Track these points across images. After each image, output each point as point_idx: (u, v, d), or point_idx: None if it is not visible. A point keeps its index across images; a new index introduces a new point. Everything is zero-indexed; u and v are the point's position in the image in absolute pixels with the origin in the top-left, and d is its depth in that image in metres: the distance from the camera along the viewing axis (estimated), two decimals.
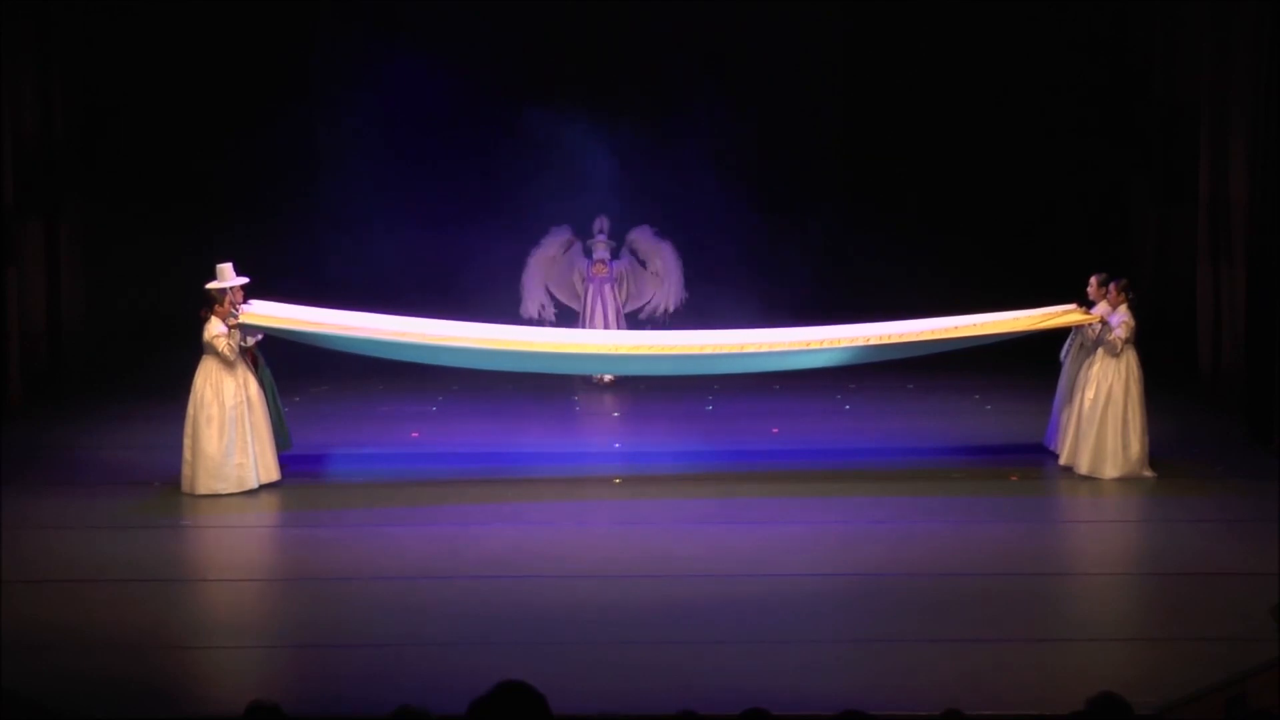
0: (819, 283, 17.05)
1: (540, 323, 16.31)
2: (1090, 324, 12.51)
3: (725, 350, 13.13)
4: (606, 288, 16.46)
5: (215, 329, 12.09)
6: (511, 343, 12.92)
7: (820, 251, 17.64)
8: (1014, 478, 12.53)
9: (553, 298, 16.72)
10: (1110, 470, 12.38)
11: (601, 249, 16.55)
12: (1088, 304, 12.72)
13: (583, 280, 16.55)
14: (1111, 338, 12.37)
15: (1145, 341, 12.72)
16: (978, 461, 13.13)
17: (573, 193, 17.03)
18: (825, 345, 12.92)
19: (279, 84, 17.53)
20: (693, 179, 17.38)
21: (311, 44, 17.87)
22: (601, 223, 16.61)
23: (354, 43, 17.92)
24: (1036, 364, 14.35)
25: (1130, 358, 12.45)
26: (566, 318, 16.67)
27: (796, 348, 13.10)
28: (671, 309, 16.71)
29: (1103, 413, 12.37)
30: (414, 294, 16.12)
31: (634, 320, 16.65)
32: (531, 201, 17.61)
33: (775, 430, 14.60)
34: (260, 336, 12.48)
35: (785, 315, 15.36)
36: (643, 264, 16.80)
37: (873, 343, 12.79)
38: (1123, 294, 12.49)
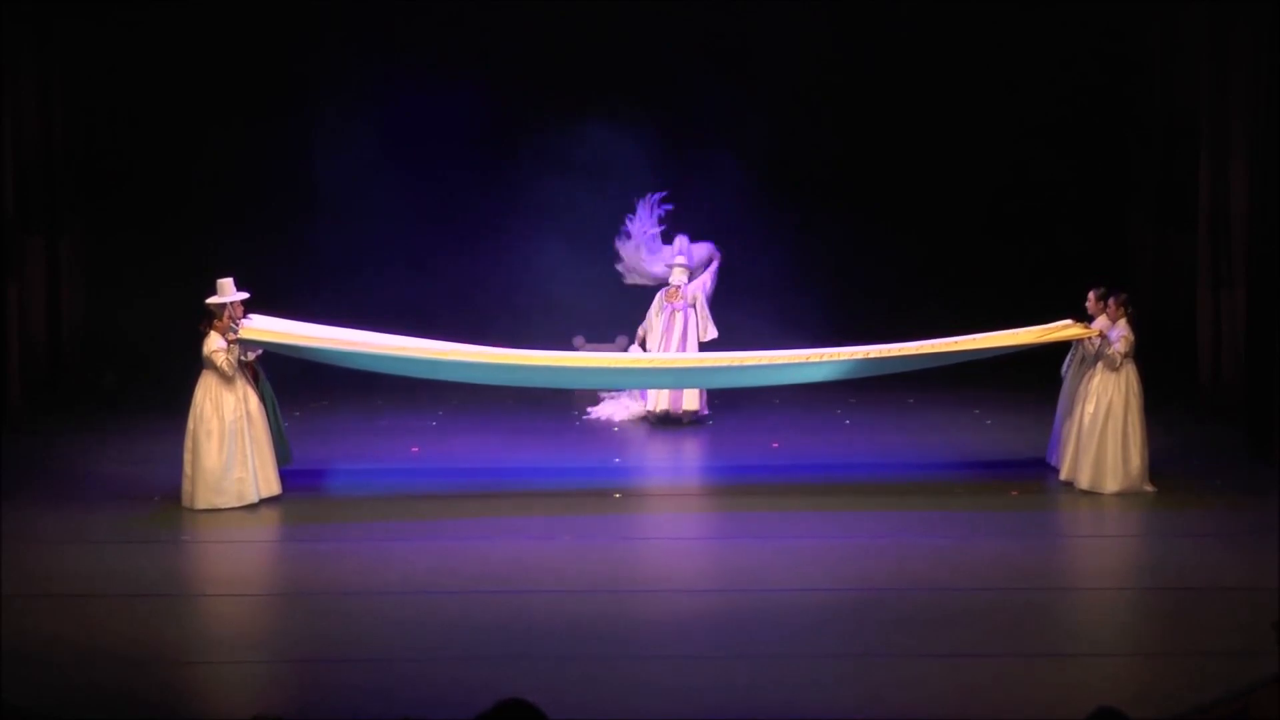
0: (818, 301, 17.05)
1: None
2: (1089, 338, 12.52)
3: (724, 364, 13.14)
4: (680, 316, 15.33)
5: (214, 344, 12.09)
6: (511, 357, 12.92)
7: (817, 271, 17.66)
8: (1014, 493, 12.52)
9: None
10: (1110, 484, 12.38)
11: (679, 273, 15.48)
12: (1086, 319, 12.72)
13: (659, 308, 15.45)
14: (1110, 352, 12.38)
15: (1145, 355, 12.73)
16: (978, 476, 13.13)
17: (585, 205, 17.09)
18: (824, 359, 12.93)
19: (282, 98, 17.57)
20: (704, 192, 17.47)
21: (316, 58, 17.88)
22: (681, 242, 15.71)
23: (359, 56, 17.93)
24: (1037, 378, 14.36)
25: (1130, 372, 12.45)
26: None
27: (795, 361, 13.12)
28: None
29: (1103, 427, 12.38)
30: (421, 311, 16.03)
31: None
32: (539, 217, 17.69)
33: (775, 445, 14.60)
34: (260, 351, 12.49)
35: (785, 334, 15.40)
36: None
37: (872, 357, 12.81)
38: (1122, 308, 12.51)
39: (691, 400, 15.43)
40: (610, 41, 17.69)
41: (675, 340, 15.33)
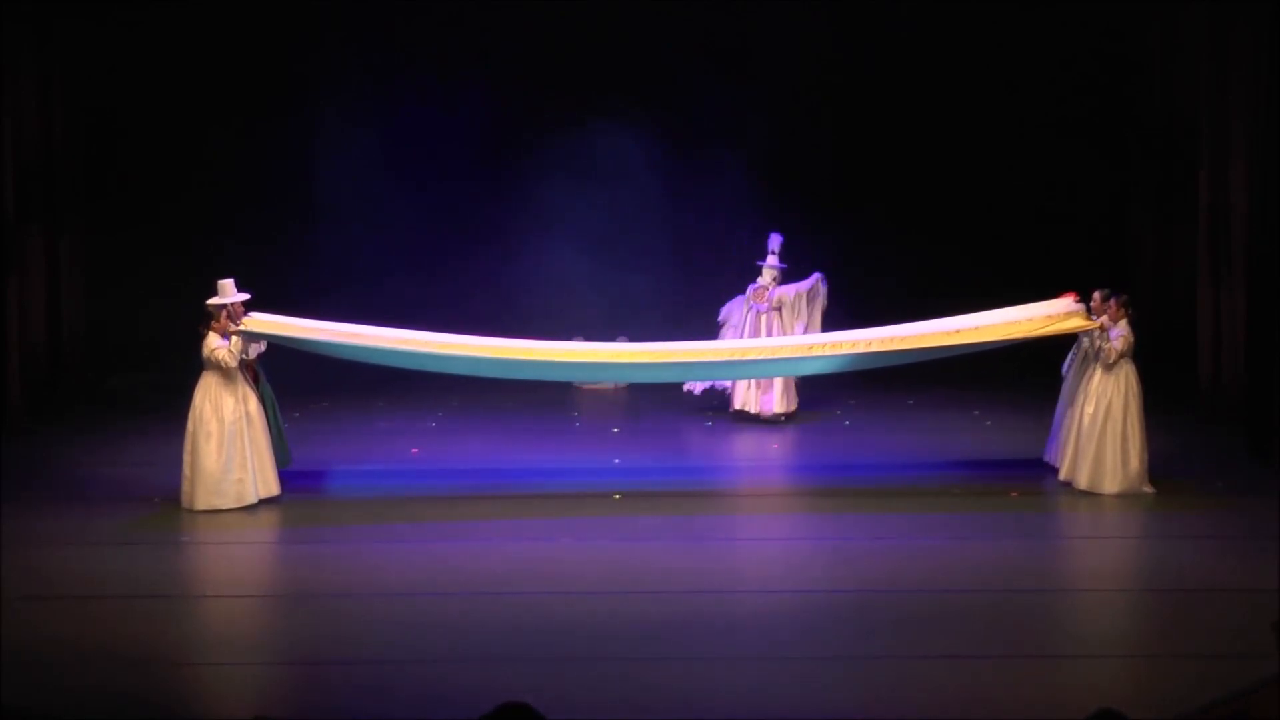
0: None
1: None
2: (1091, 330, 12.46)
3: (723, 357, 13.12)
4: (765, 318, 15.24)
5: (213, 343, 12.09)
6: (513, 350, 12.89)
7: (816, 271, 17.68)
8: (1014, 494, 12.52)
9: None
10: (1109, 485, 12.38)
11: (766, 275, 15.34)
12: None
13: (747, 306, 15.38)
14: (1106, 347, 12.36)
15: (1145, 356, 12.72)
16: (978, 477, 13.12)
17: (585, 205, 17.08)
18: (825, 351, 12.92)
19: (282, 98, 17.58)
20: (704, 192, 17.47)
21: (316, 58, 17.89)
22: (772, 242, 15.46)
23: (359, 56, 17.95)
24: (1036, 379, 14.36)
25: (1129, 372, 12.45)
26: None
27: (797, 354, 13.13)
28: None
29: (1102, 427, 12.37)
30: (421, 311, 15.98)
31: None
32: (538, 217, 17.70)
33: (775, 446, 14.60)
34: (263, 347, 12.48)
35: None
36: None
37: (874, 349, 12.77)
38: (1123, 309, 12.50)
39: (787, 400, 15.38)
40: (610, 42, 17.71)
41: None
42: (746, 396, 15.44)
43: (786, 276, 15.46)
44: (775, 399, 15.33)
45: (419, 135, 18.02)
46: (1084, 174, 17.85)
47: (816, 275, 15.49)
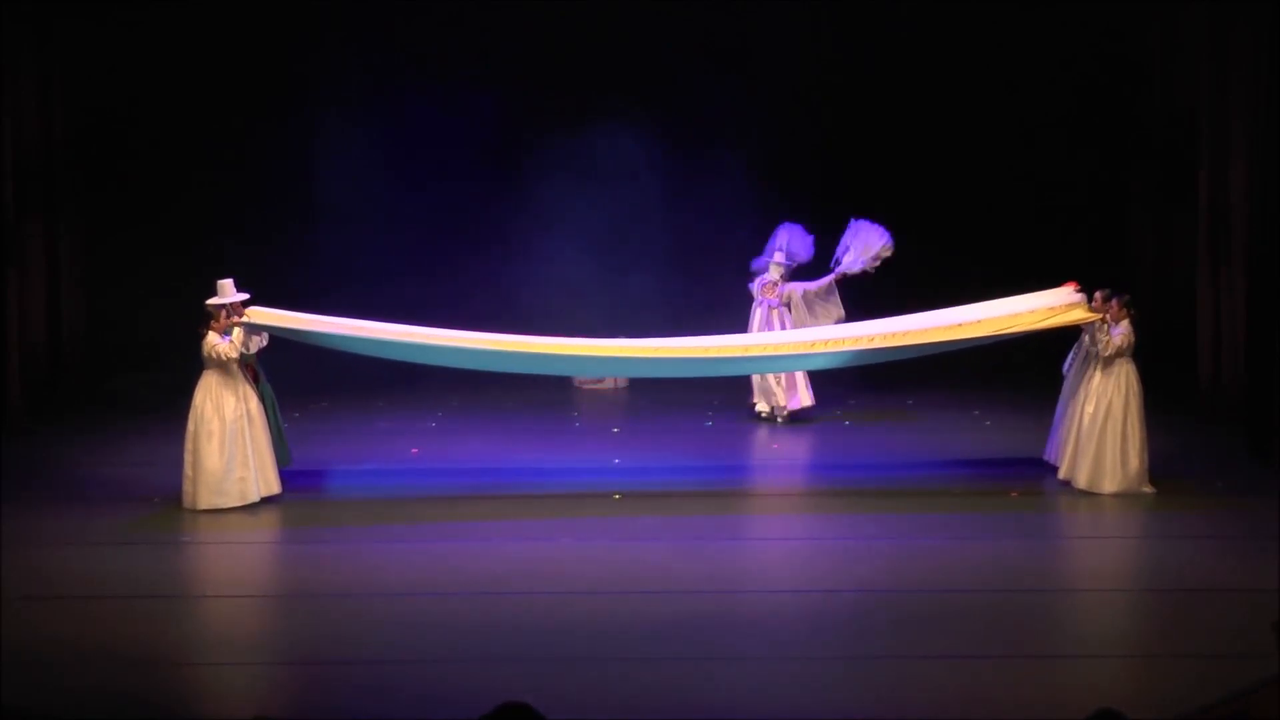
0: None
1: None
2: (1092, 323, 12.45)
3: (725, 354, 13.12)
4: (775, 314, 15.15)
5: (214, 341, 12.10)
6: (513, 344, 12.87)
7: (817, 272, 17.68)
8: (1014, 494, 12.52)
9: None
10: (1109, 485, 12.38)
11: (774, 270, 15.27)
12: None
13: (756, 302, 15.31)
14: (1104, 340, 12.34)
15: (1145, 356, 12.72)
16: (978, 477, 13.12)
17: (584, 205, 17.08)
18: (828, 348, 12.91)
19: (282, 97, 17.57)
20: (704, 192, 17.46)
21: (316, 58, 17.89)
22: (782, 237, 15.45)
23: (359, 56, 17.95)
24: (1036, 379, 14.36)
25: (1129, 372, 12.45)
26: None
27: (799, 350, 13.11)
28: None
29: (1102, 427, 12.37)
30: (421, 311, 15.98)
31: None
32: (538, 217, 17.70)
33: (775, 446, 14.60)
34: (264, 342, 12.46)
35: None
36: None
37: (876, 344, 12.75)
38: (1125, 309, 12.50)
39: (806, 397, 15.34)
40: (610, 42, 17.71)
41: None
42: (763, 394, 15.35)
43: (793, 274, 15.43)
44: (800, 396, 15.30)
45: (419, 135, 18.02)
46: (1084, 174, 17.85)
47: (865, 236, 15.21)
